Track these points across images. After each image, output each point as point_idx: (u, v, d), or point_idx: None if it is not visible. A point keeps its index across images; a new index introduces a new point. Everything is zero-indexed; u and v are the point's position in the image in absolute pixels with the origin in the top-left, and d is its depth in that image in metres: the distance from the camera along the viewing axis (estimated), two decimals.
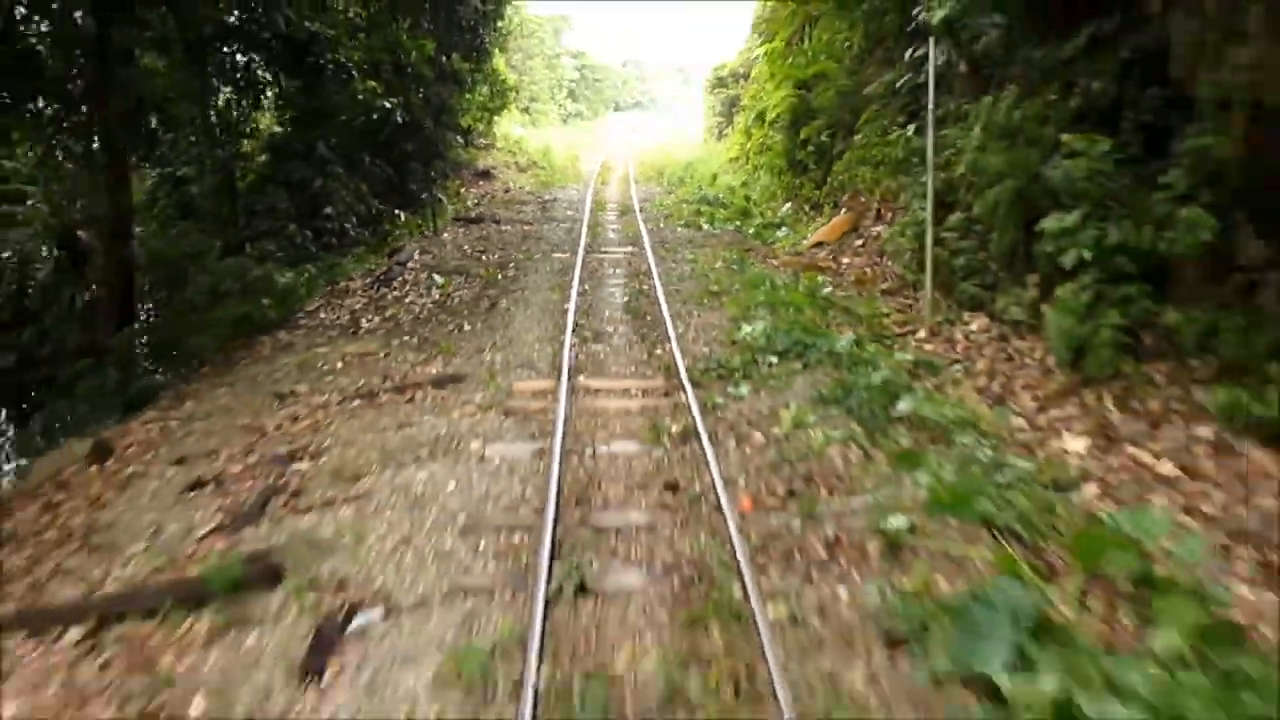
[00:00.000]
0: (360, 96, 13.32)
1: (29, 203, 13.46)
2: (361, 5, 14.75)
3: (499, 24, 20.68)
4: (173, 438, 6.74)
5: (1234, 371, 5.05)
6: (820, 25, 14.17)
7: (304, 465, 5.71)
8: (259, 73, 14.59)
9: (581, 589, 3.88)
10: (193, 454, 6.27)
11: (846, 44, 12.78)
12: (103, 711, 3.46)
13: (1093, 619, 3.50)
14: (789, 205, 14.25)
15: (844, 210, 11.48)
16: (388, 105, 13.73)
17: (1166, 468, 5.06)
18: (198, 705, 3.32)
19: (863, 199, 11.20)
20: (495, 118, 22.91)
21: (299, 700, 3.29)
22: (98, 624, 4.04)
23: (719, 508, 4.51)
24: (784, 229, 13.08)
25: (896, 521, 4.13)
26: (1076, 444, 5.58)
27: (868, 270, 9.97)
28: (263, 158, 14.75)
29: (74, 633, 4.02)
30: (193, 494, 5.53)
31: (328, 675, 3.43)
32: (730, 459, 5.19)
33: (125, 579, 4.46)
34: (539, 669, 3.26)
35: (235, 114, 15.18)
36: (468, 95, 19.28)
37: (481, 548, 4.35)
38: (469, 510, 4.73)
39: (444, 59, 17.41)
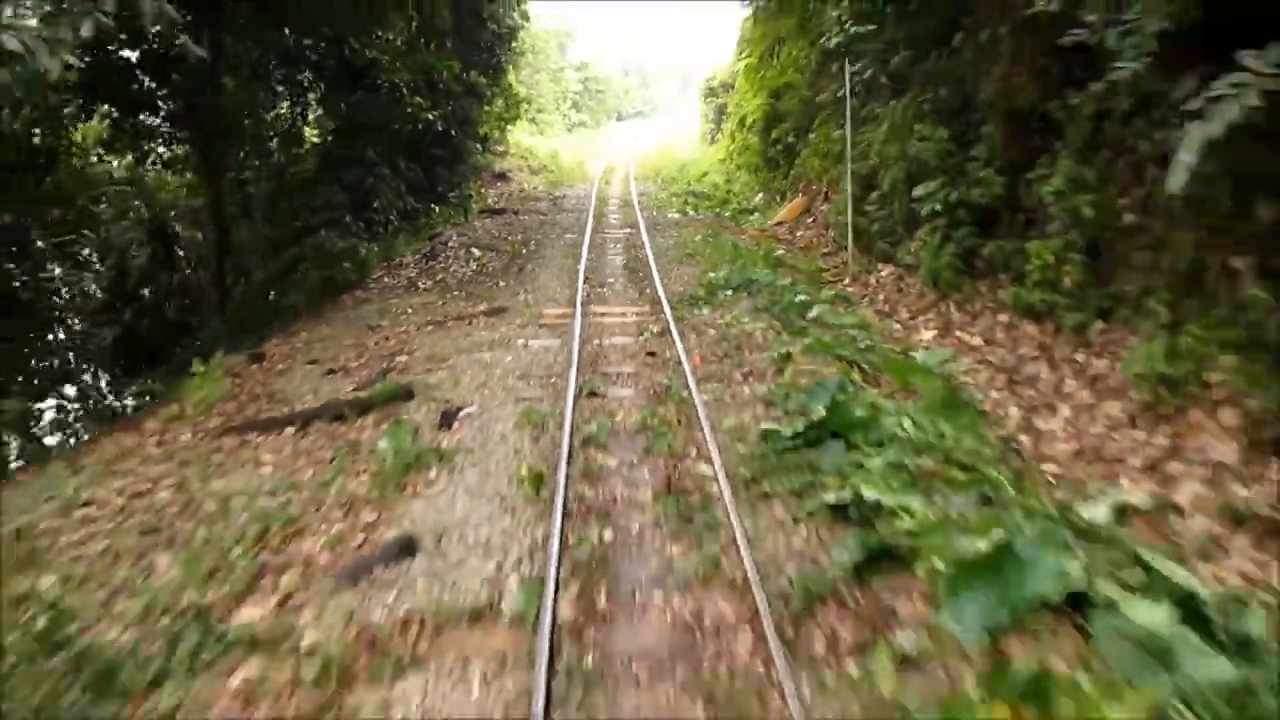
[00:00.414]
0: (409, 110, 16.10)
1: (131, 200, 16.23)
2: (397, 32, 17.53)
3: (513, 45, 23.49)
4: (301, 352, 9.47)
5: (1019, 278, 7.72)
6: (787, 43, 16.89)
7: (404, 357, 8.43)
8: (310, 91, 17.39)
9: (593, 394, 6.59)
10: (320, 358, 8.98)
11: (806, 59, 15.50)
12: (321, 454, 6.15)
13: (884, 394, 6.20)
14: (761, 195, 16.99)
15: (800, 195, 14.19)
16: (430, 117, 16.53)
17: (976, 340, 7.74)
18: (380, 445, 6.01)
19: (814, 185, 13.91)
20: (509, 127, 25.73)
21: (440, 437, 5.99)
22: (303, 424, 6.74)
23: (679, 363, 7.20)
24: (755, 213, 15.80)
25: (782, 355, 6.83)
26: (927, 334, 8.28)
27: (814, 239, 12.68)
28: (311, 163, 17.48)
29: (289, 430, 6.72)
30: (330, 376, 8.23)
31: (454, 428, 6.14)
32: (690, 341, 7.89)
33: (311, 407, 7.18)
34: (573, 418, 5.96)
35: (288, 126, 18.00)
36: (486, 108, 22.06)
37: (531, 383, 7.04)
38: (520, 369, 7.43)
39: (465, 75, 20.17)
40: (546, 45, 41.41)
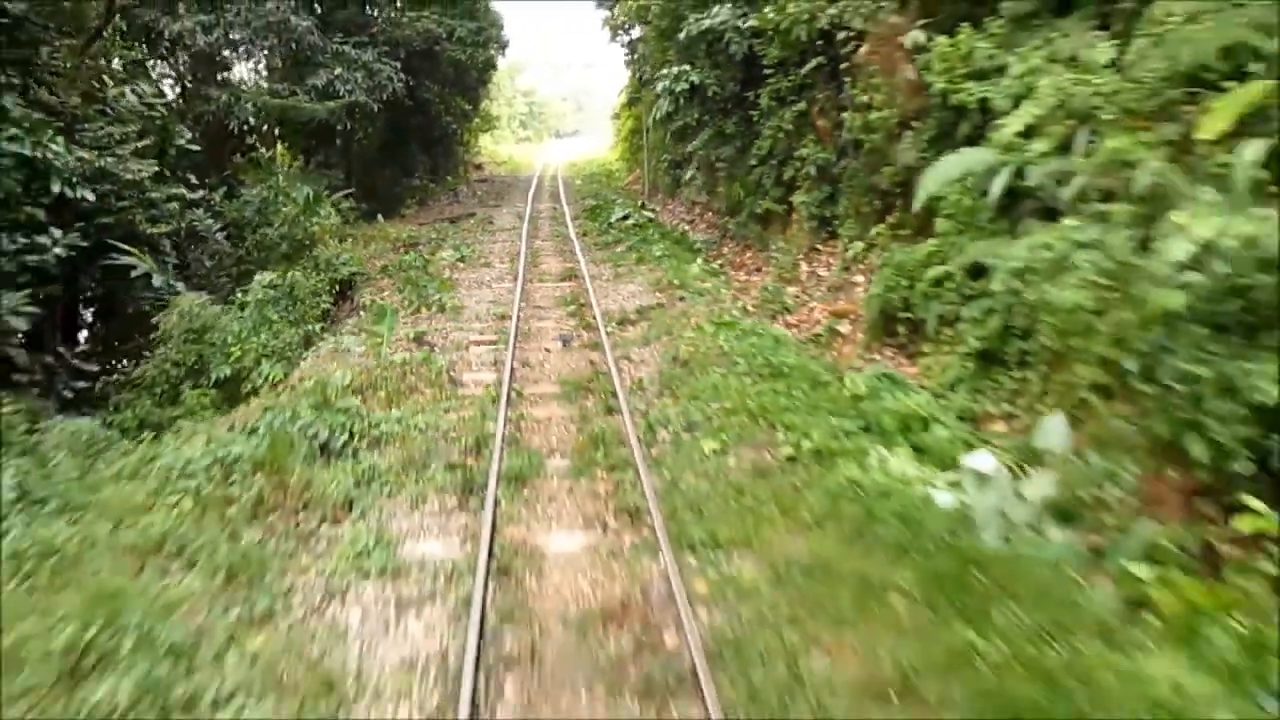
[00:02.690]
0: (440, 123, 29.41)
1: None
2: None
3: (488, 81, 36.89)
4: (429, 211, 22.72)
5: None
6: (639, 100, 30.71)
7: (465, 216, 21.86)
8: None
9: (534, 222, 20.17)
10: (439, 213, 22.31)
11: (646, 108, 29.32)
12: (460, 227, 19.58)
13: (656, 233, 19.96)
14: (626, 173, 30.82)
15: (638, 169, 28.02)
16: (453, 129, 29.89)
17: (700, 224, 21.57)
18: (471, 228, 19.45)
19: (641, 165, 27.76)
20: (481, 135, 39.10)
21: (487, 228, 19.50)
22: (451, 221, 20.12)
23: (567, 219, 20.75)
24: (619, 180, 29.61)
25: (612, 218, 20.62)
26: (681, 221, 22.11)
27: (639, 188, 26.51)
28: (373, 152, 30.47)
29: (444, 222, 20.11)
30: (446, 216, 21.58)
31: (491, 226, 19.70)
32: (574, 211, 21.53)
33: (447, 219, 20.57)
34: (528, 228, 19.50)
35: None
36: (468, 122, 35.34)
37: (513, 222, 20.53)
38: (510, 221, 20.94)
39: (455, 101, 33.35)
40: (502, 76, 54.88)
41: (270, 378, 8.95)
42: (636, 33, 25.60)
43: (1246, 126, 5.25)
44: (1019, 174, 6.64)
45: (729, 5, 13.12)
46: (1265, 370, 4.37)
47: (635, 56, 26.32)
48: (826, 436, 6.12)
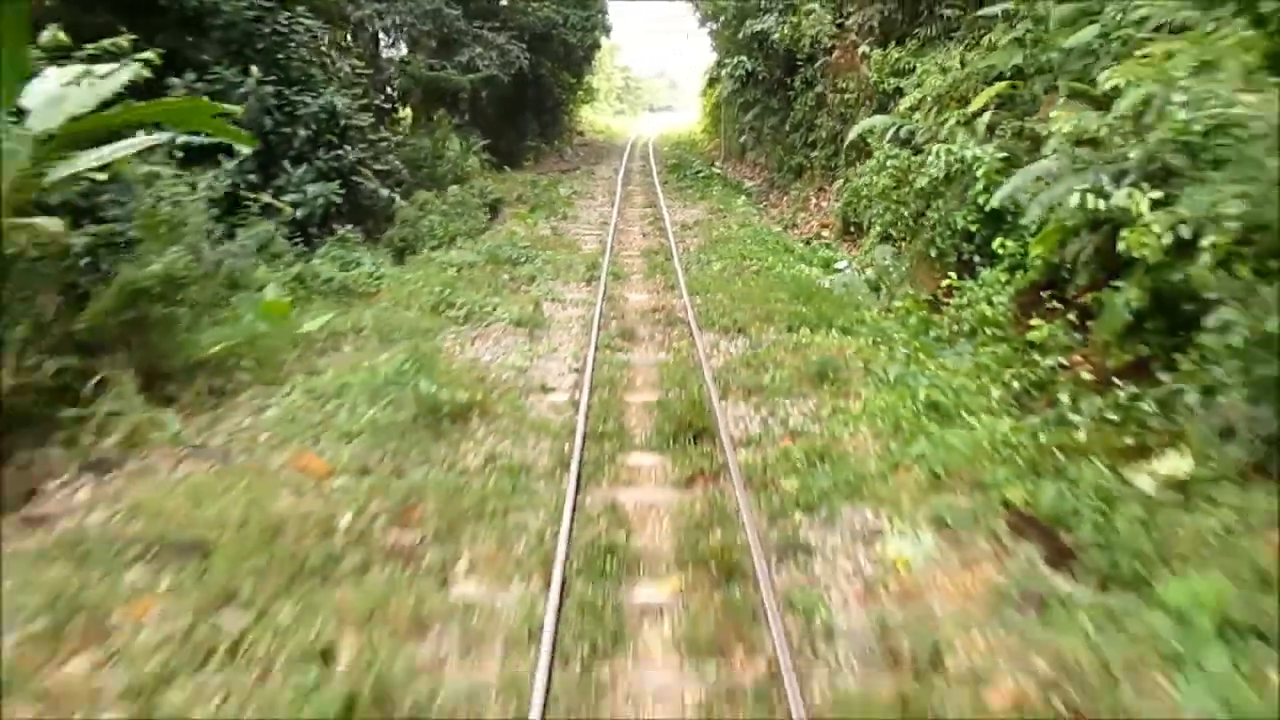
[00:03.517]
0: (552, 94, 35.25)
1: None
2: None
3: (591, 62, 42.53)
4: (549, 164, 28.69)
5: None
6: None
7: (576, 168, 27.69)
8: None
9: (628, 172, 25.82)
10: (556, 165, 28.22)
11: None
12: (583, 173, 25.44)
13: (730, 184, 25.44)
14: (707, 140, 36.12)
15: (718, 138, 33.30)
16: (561, 99, 35.73)
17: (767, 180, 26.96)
18: (585, 173, 25.25)
19: (719, 135, 33.03)
20: (584, 107, 44.82)
21: (591, 176, 25.27)
22: (568, 171, 26.00)
23: (653, 170, 26.34)
24: (704, 148, 34.96)
25: (693, 173, 26.17)
26: (748, 180, 27.51)
27: (718, 153, 31.87)
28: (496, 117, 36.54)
29: (563, 172, 26.02)
30: (561, 167, 27.47)
31: (596, 172, 25.46)
32: (660, 167, 27.12)
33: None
34: (624, 171, 25.17)
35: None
36: (574, 94, 41.05)
37: (611, 174, 26.24)
38: (608, 173, 26.65)
39: (564, 76, 39.08)
40: (604, 55, 60.55)
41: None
42: (716, 24, 30.82)
43: (992, 103, 10.47)
44: (900, 129, 11.92)
45: (775, 14, 18.37)
46: (965, 213, 9.64)
47: (715, 44, 31.56)
48: (778, 263, 11.60)
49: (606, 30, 38.62)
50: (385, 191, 17.35)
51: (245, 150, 8.19)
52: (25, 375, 5.50)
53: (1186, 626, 3.44)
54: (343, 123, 15.16)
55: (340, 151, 15.02)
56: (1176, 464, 4.67)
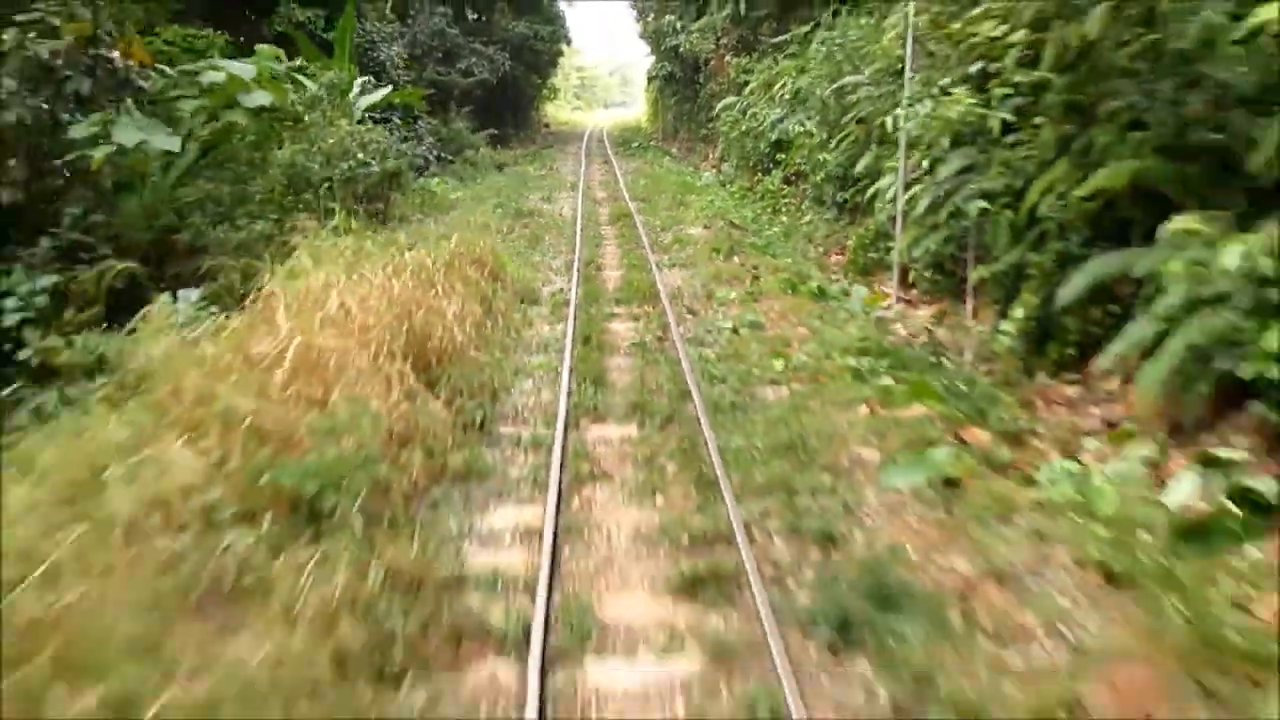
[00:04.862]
0: (524, 93, 44.29)
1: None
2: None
3: (555, 66, 51.62)
4: (532, 140, 37.82)
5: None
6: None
7: (549, 147, 36.91)
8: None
9: (588, 154, 35.09)
10: (536, 142, 37.36)
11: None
12: (556, 147, 34.70)
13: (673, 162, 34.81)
14: (651, 126, 45.48)
15: (658, 122, 42.66)
16: (530, 97, 44.85)
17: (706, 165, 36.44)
18: (556, 149, 34.47)
19: (658, 120, 42.41)
20: (549, 104, 53.88)
21: (562, 152, 34.53)
22: (587, 153, 35.24)
23: (607, 147, 35.63)
24: (645, 130, 44.32)
25: (635, 145, 35.53)
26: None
27: (660, 137, 41.29)
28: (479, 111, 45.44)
29: (543, 148, 35.27)
30: (541, 144, 36.63)
31: (569, 145, 34.71)
32: (614, 144, 36.43)
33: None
34: (587, 147, 34.42)
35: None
36: (540, 93, 50.10)
37: (578, 149, 35.47)
38: (574, 151, 35.89)
39: (532, 78, 48.13)
40: (564, 59, 69.66)
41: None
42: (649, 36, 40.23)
43: (783, 87, 19.94)
44: (742, 105, 21.35)
45: (684, 35, 27.71)
46: (763, 144, 19.04)
47: (650, 51, 40.96)
48: (676, 179, 20.98)
49: (568, 41, 47.74)
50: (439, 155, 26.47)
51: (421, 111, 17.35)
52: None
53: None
54: (415, 110, 24.34)
55: (434, 123, 24.24)
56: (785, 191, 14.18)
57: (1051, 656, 3.44)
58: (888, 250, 10.10)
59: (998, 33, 7.44)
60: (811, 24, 16.96)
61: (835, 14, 15.25)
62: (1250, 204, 5.76)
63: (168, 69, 9.37)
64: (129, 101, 8.27)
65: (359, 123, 13.23)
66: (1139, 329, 5.96)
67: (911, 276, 9.71)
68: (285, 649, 3.22)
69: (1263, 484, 5.01)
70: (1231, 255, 5.32)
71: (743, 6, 21.35)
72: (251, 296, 6.30)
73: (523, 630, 3.61)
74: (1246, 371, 5.16)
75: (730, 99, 21.49)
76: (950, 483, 4.90)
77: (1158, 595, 3.59)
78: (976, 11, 8.02)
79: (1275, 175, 5.64)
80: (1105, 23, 6.51)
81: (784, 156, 17.25)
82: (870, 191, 10.84)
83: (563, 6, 47.94)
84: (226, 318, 6.02)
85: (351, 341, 5.31)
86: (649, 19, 40.63)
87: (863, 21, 13.16)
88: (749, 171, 19.23)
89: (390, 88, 16.47)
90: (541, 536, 4.45)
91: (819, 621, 3.69)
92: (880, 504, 4.82)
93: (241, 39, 14.75)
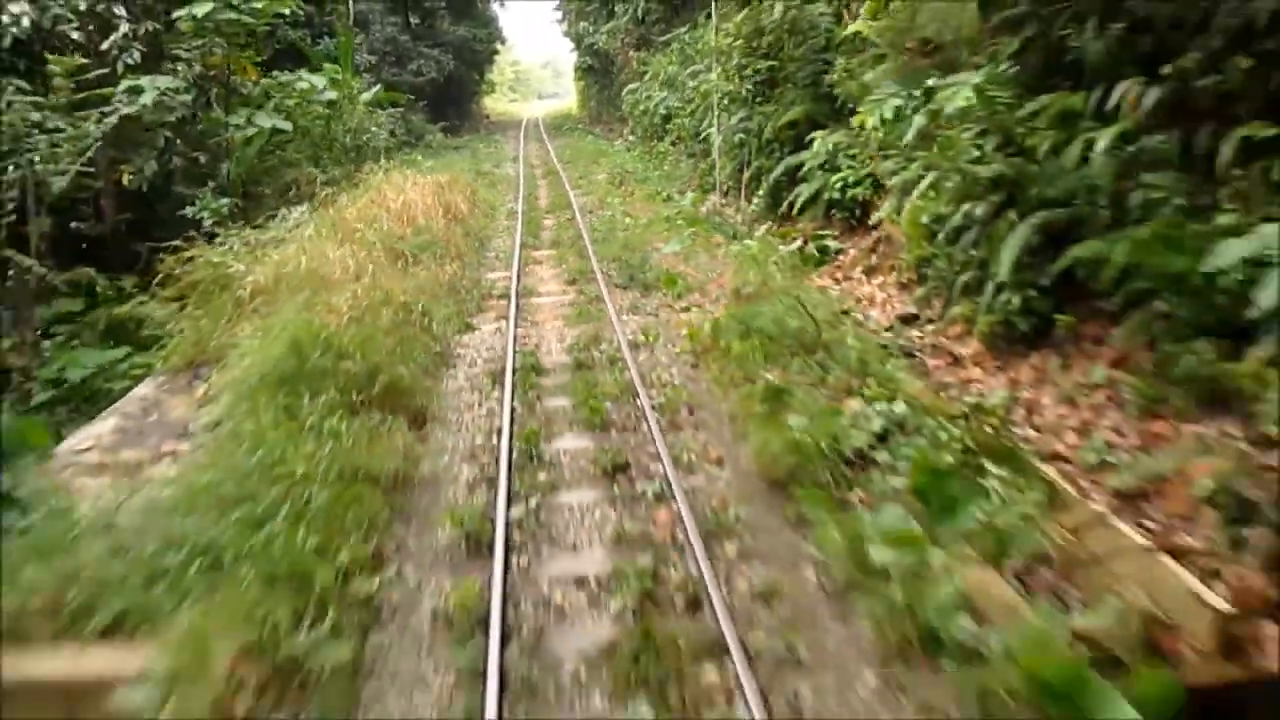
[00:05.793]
0: (466, 88, 50.03)
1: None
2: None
3: (491, 62, 57.32)
4: (474, 132, 43.74)
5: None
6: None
7: (495, 134, 42.90)
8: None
9: (529, 137, 41.18)
10: (478, 134, 43.26)
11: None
12: (500, 138, 40.72)
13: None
14: (583, 111, 51.70)
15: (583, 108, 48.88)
16: (471, 91, 50.64)
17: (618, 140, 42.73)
18: (505, 137, 40.50)
19: (588, 105, 48.65)
20: (487, 97, 59.60)
21: (506, 139, 40.58)
22: (488, 132, 41.20)
23: (543, 134, 41.72)
24: (578, 117, 50.54)
25: (566, 129, 41.71)
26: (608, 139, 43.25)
27: (588, 121, 47.56)
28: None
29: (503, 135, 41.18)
30: (486, 133, 42.54)
31: (509, 134, 40.75)
32: (550, 131, 42.55)
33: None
34: (525, 131, 40.49)
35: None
36: (479, 88, 55.82)
37: (517, 137, 41.53)
38: (515, 138, 41.96)
39: (471, 74, 53.81)
40: (500, 56, 75.31)
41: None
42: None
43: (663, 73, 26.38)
44: (640, 90, 27.73)
45: (596, 28, 33.88)
46: (654, 116, 25.45)
47: (574, 46, 47.11)
48: (594, 148, 27.27)
49: (502, 40, 53.64)
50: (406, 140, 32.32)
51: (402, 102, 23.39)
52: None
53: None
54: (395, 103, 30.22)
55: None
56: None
57: (706, 273, 9.96)
58: (712, 172, 16.55)
59: (740, 41, 13.90)
60: (687, 27, 23.33)
61: (695, 24, 21.64)
62: (834, 118, 12.24)
63: (262, 81, 15.35)
64: (262, 100, 14.29)
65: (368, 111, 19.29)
66: (802, 189, 12.46)
67: (724, 187, 16.16)
68: (422, 284, 9.51)
69: (832, 244, 11.56)
70: (821, 144, 11.85)
71: (639, 11, 27.63)
72: (348, 197, 12.46)
73: (510, 291, 10.01)
74: (823, 198, 11.69)
75: (633, 85, 27.82)
76: (690, 248, 11.36)
77: (771, 271, 10.05)
78: (735, 27, 14.47)
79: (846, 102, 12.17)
80: (782, 34, 13.01)
81: (670, 126, 23.63)
82: (703, 139, 17.27)
83: (496, 9, 53.83)
84: (334, 214, 12.15)
85: (416, 205, 11.57)
86: (570, 20, 46.74)
87: (699, 30, 19.58)
88: (647, 139, 25.60)
89: (378, 86, 22.41)
90: (511, 274, 10.81)
91: (621, 283, 10.16)
92: (660, 257, 11.24)
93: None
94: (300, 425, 5.36)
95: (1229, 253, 5.14)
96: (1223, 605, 4.27)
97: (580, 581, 4.34)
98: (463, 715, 3.42)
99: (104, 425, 7.27)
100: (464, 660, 3.70)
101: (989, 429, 5.86)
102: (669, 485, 5.11)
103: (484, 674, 3.55)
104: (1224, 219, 5.46)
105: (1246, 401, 5.34)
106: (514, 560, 4.48)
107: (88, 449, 6.78)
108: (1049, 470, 5.59)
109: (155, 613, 4.04)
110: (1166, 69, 6.29)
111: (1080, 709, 2.84)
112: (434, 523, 4.94)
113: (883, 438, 5.69)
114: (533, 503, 5.09)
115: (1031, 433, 6.22)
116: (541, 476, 5.44)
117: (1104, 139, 6.38)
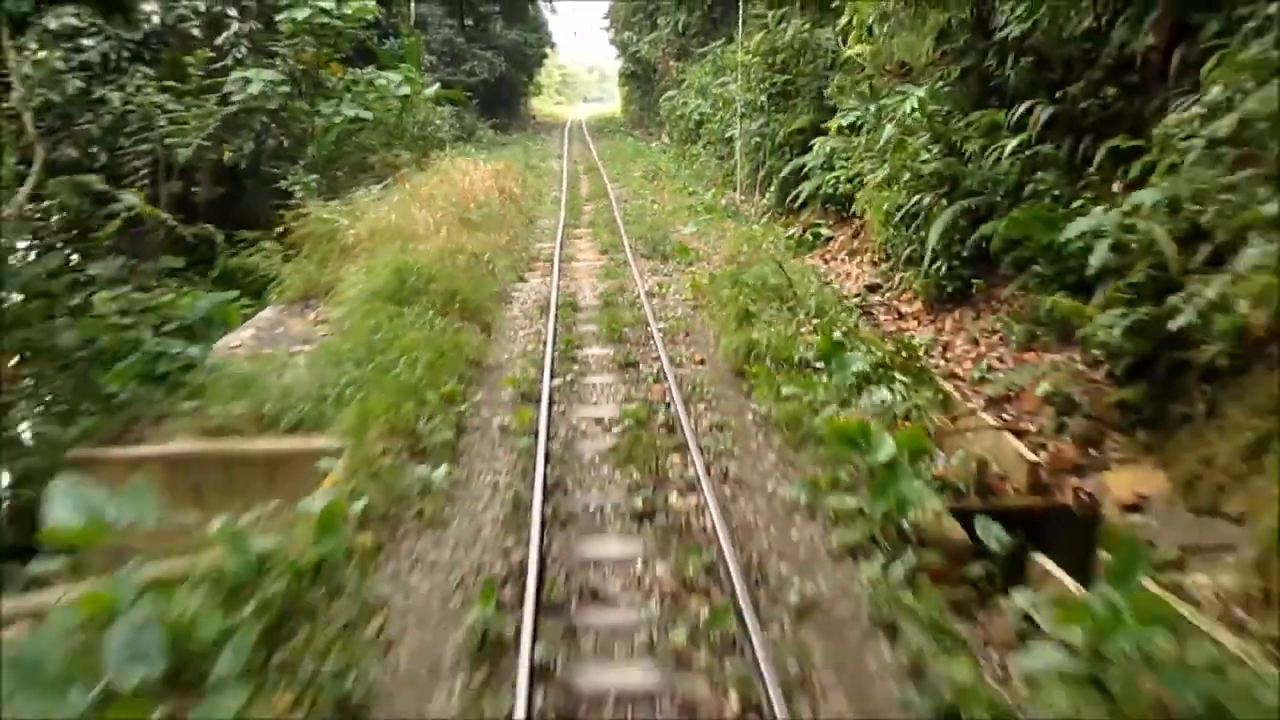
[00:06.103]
0: (515, 89, 52.64)
1: None
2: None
3: (541, 65, 59.92)
4: (527, 131, 46.28)
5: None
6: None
7: (542, 132, 45.38)
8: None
9: (573, 137, 43.62)
10: (531, 134, 45.76)
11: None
12: (550, 132, 43.19)
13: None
14: (626, 117, 54.06)
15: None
16: (520, 92, 53.23)
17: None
18: (551, 136, 43.01)
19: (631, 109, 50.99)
20: (534, 99, 62.28)
21: (555, 136, 43.05)
22: (537, 131, 43.63)
23: (587, 139, 44.11)
24: (621, 121, 52.90)
25: (609, 131, 44.07)
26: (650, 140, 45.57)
27: (633, 126, 49.93)
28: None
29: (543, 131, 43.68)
30: (535, 133, 45.05)
31: (560, 129, 43.25)
32: (594, 133, 44.94)
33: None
34: (569, 130, 42.95)
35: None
36: (527, 89, 58.40)
37: (563, 136, 43.95)
38: (560, 139, 44.40)
39: (521, 76, 56.41)
40: (549, 59, 78.10)
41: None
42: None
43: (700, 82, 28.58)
44: (679, 98, 29.94)
45: (640, 38, 36.16)
46: (689, 122, 27.64)
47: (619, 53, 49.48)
48: (634, 150, 29.51)
49: (552, 44, 56.28)
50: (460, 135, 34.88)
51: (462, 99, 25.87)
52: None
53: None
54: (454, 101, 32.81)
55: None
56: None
57: (714, 247, 12.16)
58: (734, 172, 18.69)
59: (759, 58, 16.04)
60: (722, 40, 25.48)
61: (729, 38, 23.78)
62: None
63: (344, 76, 17.79)
64: (342, 93, 16.72)
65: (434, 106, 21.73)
66: (805, 186, 14.54)
67: (743, 184, 18.28)
68: (484, 244, 11.79)
69: (825, 231, 13.66)
70: (820, 148, 13.94)
71: (680, 24, 29.86)
72: (420, 177, 14.80)
73: (554, 256, 12.40)
74: (821, 194, 13.80)
75: (671, 92, 30.03)
76: (704, 230, 13.52)
77: (765, 247, 12.19)
78: (754, 45, 16.61)
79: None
80: (793, 53, 15.12)
81: (702, 131, 25.77)
82: (728, 142, 19.42)
83: (547, 15, 56.45)
84: (410, 189, 14.48)
85: (477, 186, 13.87)
86: (616, 28, 49.14)
87: (731, 45, 21.75)
88: (682, 143, 27.79)
89: (439, 85, 24.84)
90: (555, 244, 13.08)
91: (644, 254, 12.42)
92: (679, 235, 13.41)
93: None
94: (405, 320, 7.62)
95: (1074, 228, 7.16)
96: (1038, 460, 6.36)
97: (598, 420, 6.54)
98: (521, 471, 5.60)
99: (245, 333, 9.61)
100: (522, 446, 5.91)
101: (904, 355, 7.94)
102: (664, 373, 7.26)
103: (533, 453, 5.73)
104: (1076, 204, 7.49)
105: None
106: (554, 408, 6.65)
107: (237, 346, 9.12)
108: (946, 385, 7.68)
109: (323, 419, 6.30)
110: (1060, 94, 8.34)
111: (862, 445, 4.94)
112: (499, 386, 7.20)
113: (825, 359, 7.81)
114: (568, 379, 7.29)
115: (941, 362, 8.31)
116: (575, 367, 7.65)
117: (1010, 145, 8.45)
